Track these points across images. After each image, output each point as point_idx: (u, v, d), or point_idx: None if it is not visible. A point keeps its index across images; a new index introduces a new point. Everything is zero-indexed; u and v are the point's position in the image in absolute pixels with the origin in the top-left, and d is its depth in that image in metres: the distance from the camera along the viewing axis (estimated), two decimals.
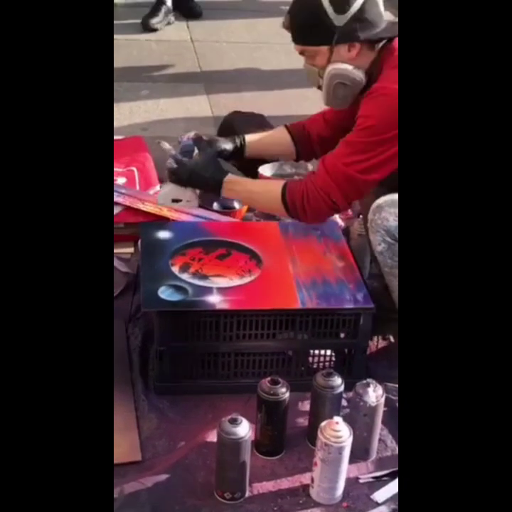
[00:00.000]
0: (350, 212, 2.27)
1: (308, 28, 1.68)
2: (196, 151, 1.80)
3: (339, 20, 1.64)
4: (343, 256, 1.87)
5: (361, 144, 1.62)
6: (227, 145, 1.89)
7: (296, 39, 1.72)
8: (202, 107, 3.26)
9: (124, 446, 1.57)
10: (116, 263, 2.15)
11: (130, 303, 1.97)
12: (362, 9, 1.64)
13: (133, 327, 1.90)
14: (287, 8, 1.77)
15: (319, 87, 1.76)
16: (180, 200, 1.80)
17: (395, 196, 1.66)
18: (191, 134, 1.84)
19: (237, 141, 1.92)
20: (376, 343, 1.88)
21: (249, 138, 1.94)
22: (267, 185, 1.87)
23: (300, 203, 1.67)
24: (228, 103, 3.22)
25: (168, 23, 4.00)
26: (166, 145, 1.86)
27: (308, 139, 1.95)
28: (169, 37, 3.94)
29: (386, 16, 1.72)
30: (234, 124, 2.73)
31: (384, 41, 1.70)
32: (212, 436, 1.55)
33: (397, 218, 1.64)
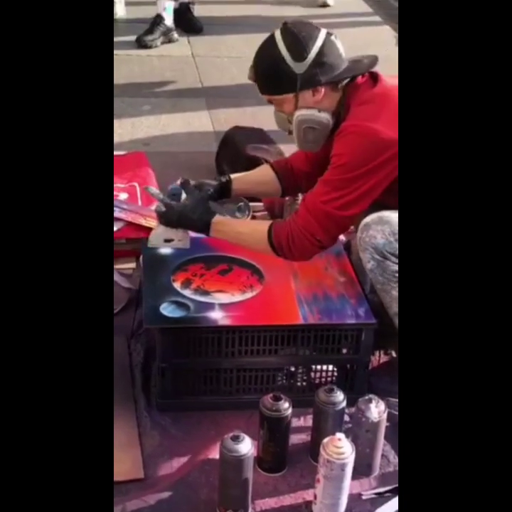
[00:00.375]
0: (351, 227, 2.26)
1: (271, 79, 1.72)
2: (184, 194, 1.82)
3: (299, 67, 1.67)
4: (345, 271, 1.87)
5: (336, 181, 1.65)
6: (213, 186, 1.91)
7: (262, 90, 1.76)
8: (203, 122, 3.28)
9: (127, 464, 1.57)
10: (117, 278, 2.15)
11: (132, 319, 1.97)
12: (320, 54, 1.67)
13: (135, 343, 1.90)
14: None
15: (290, 133, 1.79)
16: (172, 240, 1.82)
17: (382, 214, 1.68)
18: (178, 181, 1.86)
19: (223, 180, 1.94)
20: (378, 357, 1.88)
21: (235, 177, 1.96)
22: (254, 226, 1.90)
23: (286, 244, 1.69)
24: (229, 118, 3.24)
25: (170, 41, 4.01)
26: (154, 190, 1.91)
27: (292, 175, 1.97)
28: (170, 52, 3.96)
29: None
30: (235, 139, 2.75)
31: (347, 80, 1.72)
32: (215, 453, 1.55)
33: (384, 235, 1.66)
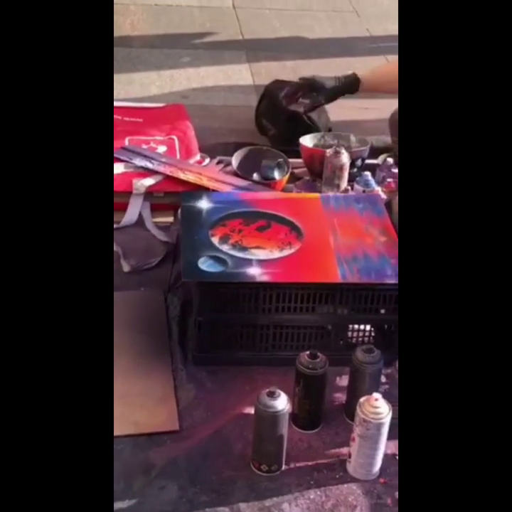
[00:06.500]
0: (393, 184, 2.23)
1: None
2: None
3: None
4: (385, 230, 1.84)
5: None
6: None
7: None
8: (243, 75, 3.23)
9: (162, 416, 1.58)
10: (155, 232, 2.15)
11: (169, 273, 1.97)
12: None
13: (172, 297, 1.91)
14: None
15: None
16: None
17: None
18: None
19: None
20: None
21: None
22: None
23: None
24: (269, 71, 3.18)
25: None
26: None
27: None
28: (211, 3, 3.89)
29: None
30: (275, 93, 2.70)
31: None
32: (250, 408, 1.55)
33: None
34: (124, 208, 2.19)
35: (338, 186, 2.22)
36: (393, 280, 1.68)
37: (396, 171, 2.26)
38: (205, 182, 2.24)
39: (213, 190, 2.18)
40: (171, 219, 2.21)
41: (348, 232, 1.83)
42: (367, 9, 3.91)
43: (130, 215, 2.19)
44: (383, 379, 1.63)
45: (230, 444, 1.54)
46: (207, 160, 2.42)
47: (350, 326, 1.75)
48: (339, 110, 2.83)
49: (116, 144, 2.40)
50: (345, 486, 1.47)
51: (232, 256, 1.72)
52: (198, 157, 2.42)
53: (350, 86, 1.87)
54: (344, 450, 1.52)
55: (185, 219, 1.88)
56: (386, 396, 1.48)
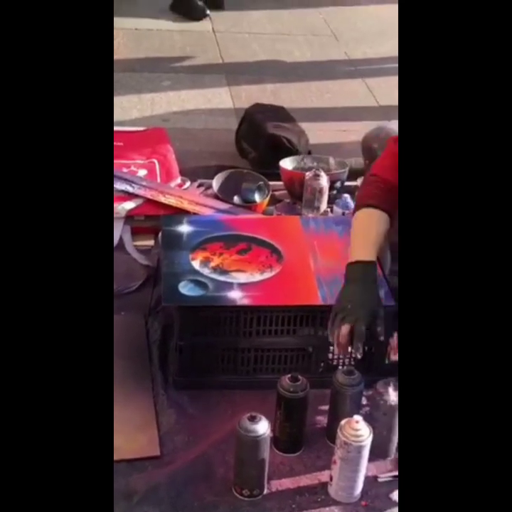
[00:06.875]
0: None
1: None
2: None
3: None
4: None
5: None
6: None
7: None
8: (223, 99, 3.25)
9: (143, 441, 1.57)
10: (136, 256, 2.15)
11: (150, 296, 1.97)
12: None
13: (152, 321, 1.90)
14: None
15: None
16: None
17: None
18: None
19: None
20: (396, 339, 1.86)
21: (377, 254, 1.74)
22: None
23: None
24: (250, 95, 3.22)
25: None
26: None
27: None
28: (191, 28, 3.93)
29: None
30: (255, 117, 2.73)
31: None
32: (231, 432, 1.55)
33: None
34: None
35: (317, 208, 2.24)
36: None
37: None
38: (185, 205, 2.25)
39: (194, 214, 2.19)
40: (151, 242, 2.21)
41: (328, 255, 1.84)
42: (345, 33, 3.97)
43: None
44: (364, 401, 1.63)
45: (211, 468, 1.53)
46: (188, 183, 2.43)
47: (331, 347, 1.76)
48: (319, 133, 2.86)
49: None
50: (327, 509, 1.47)
51: (212, 279, 1.73)
52: (178, 180, 2.43)
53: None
54: (326, 473, 1.51)
55: (166, 242, 1.88)
56: (367, 418, 1.48)
